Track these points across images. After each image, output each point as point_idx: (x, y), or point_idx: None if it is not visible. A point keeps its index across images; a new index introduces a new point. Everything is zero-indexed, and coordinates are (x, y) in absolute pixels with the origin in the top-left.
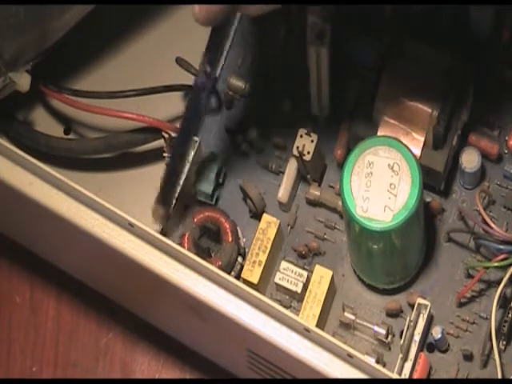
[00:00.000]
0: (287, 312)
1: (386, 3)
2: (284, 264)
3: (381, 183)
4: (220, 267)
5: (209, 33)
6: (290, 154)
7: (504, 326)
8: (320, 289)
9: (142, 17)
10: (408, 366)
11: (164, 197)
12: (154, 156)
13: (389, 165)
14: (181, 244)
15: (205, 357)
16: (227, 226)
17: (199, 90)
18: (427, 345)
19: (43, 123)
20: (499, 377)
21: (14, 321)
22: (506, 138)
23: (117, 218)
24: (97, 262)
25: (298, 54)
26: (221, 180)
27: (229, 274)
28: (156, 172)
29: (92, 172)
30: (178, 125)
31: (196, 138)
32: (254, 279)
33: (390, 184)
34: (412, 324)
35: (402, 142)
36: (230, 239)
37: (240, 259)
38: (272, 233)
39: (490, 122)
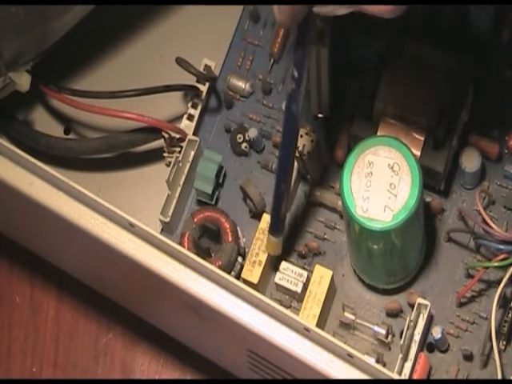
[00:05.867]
0: (287, 312)
1: (386, 3)
2: (284, 264)
3: (381, 183)
4: (220, 267)
5: (209, 33)
6: None
7: (504, 326)
8: (320, 289)
9: (141, 17)
10: (408, 366)
11: (274, 226)
12: (154, 156)
13: (389, 165)
14: (181, 244)
15: (205, 357)
16: (227, 226)
17: (291, 102)
18: (427, 345)
19: (43, 123)
20: (499, 377)
21: (14, 321)
22: (506, 138)
23: (117, 217)
24: (97, 262)
25: None
26: (221, 180)
27: (229, 273)
28: (156, 172)
29: (92, 172)
30: (178, 125)
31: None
32: (254, 279)
33: (390, 184)
34: (412, 324)
35: (402, 142)
36: (230, 239)
37: (240, 259)
38: None
39: (490, 122)
